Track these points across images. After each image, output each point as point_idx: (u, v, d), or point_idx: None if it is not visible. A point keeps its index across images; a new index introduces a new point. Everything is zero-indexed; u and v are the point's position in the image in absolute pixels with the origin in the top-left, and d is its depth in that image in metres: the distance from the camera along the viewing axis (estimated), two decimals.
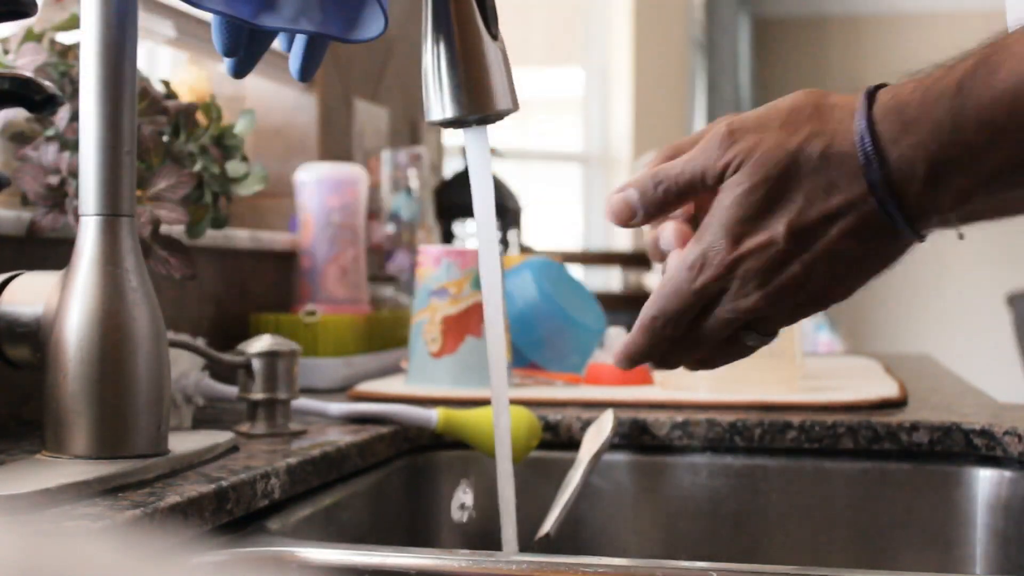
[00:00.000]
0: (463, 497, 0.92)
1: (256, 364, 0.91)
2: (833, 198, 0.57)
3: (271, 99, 1.59)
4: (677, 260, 0.62)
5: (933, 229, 0.59)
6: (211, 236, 1.20)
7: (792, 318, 0.63)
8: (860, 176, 0.56)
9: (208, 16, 0.89)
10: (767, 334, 0.64)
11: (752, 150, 0.59)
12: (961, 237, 0.65)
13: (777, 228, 0.58)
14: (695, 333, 0.63)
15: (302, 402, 0.97)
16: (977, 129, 0.54)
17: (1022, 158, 0.54)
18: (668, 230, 0.64)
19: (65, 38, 0.99)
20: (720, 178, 0.60)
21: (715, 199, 0.60)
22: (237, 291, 1.33)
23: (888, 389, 1.13)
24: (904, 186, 0.56)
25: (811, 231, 0.58)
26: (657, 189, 0.62)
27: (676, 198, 0.62)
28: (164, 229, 0.96)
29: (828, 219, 0.58)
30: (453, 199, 1.83)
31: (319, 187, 1.37)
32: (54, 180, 0.94)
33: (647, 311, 0.63)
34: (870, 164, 0.56)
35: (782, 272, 0.59)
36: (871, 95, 0.57)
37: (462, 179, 1.86)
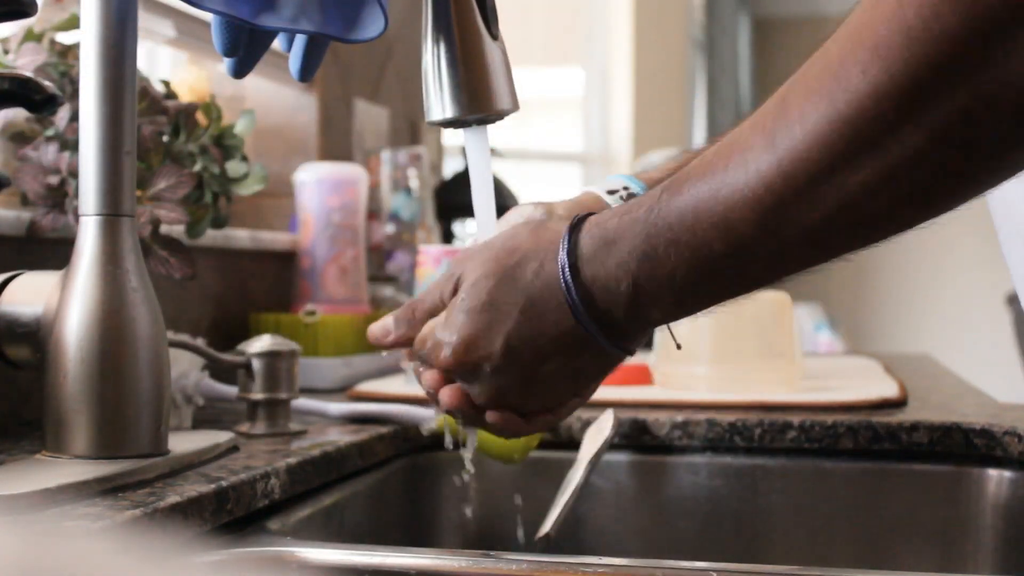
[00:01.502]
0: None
1: (256, 364, 0.91)
2: (544, 318, 0.64)
3: (271, 99, 1.59)
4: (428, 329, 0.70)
5: (640, 343, 0.65)
6: (211, 236, 1.20)
7: (529, 423, 0.69)
8: (565, 304, 0.63)
9: (208, 16, 0.89)
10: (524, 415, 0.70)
11: (474, 270, 0.66)
12: (678, 347, 0.75)
13: (495, 344, 0.65)
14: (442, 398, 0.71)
15: (302, 402, 0.97)
16: (665, 249, 0.59)
17: (712, 272, 0.58)
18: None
19: (65, 38, 0.99)
20: (452, 295, 0.68)
21: (448, 312, 0.68)
22: (237, 291, 1.33)
23: (888, 389, 1.13)
24: (609, 306, 0.62)
25: (524, 347, 0.64)
26: (409, 312, 0.71)
27: (424, 317, 0.70)
28: (164, 229, 0.96)
29: (539, 335, 0.64)
30: (453, 199, 1.83)
31: (319, 187, 1.37)
32: (54, 180, 0.94)
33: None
34: (568, 288, 0.62)
35: (499, 379, 0.66)
36: (578, 221, 0.63)
37: (462, 179, 1.86)
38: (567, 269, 0.62)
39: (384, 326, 0.72)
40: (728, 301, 0.61)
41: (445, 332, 0.66)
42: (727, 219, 0.55)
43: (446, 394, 0.68)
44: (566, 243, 0.62)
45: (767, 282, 0.60)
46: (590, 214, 0.63)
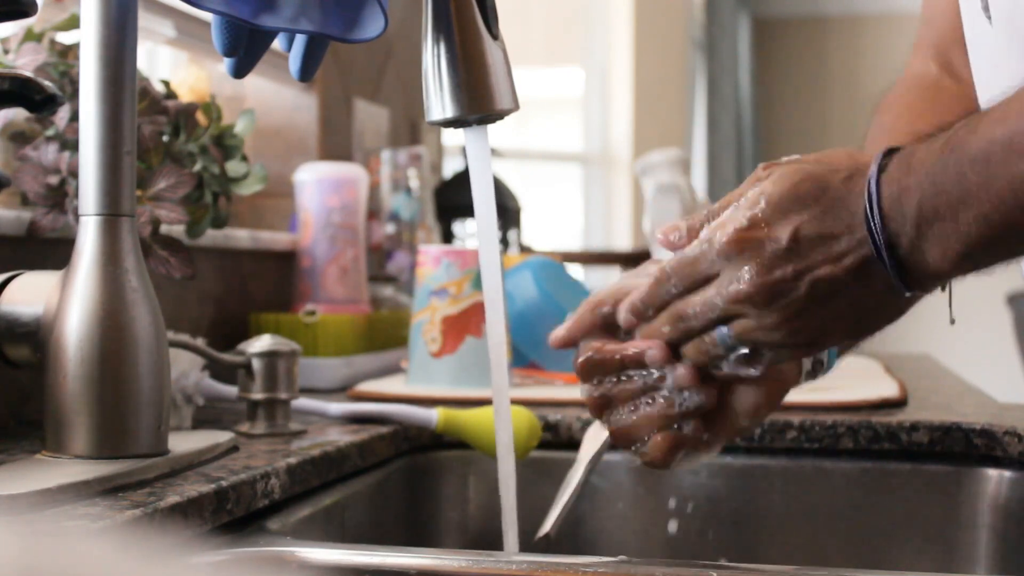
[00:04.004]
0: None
1: (256, 364, 0.91)
2: (838, 221, 0.61)
3: (271, 99, 1.59)
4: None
5: (924, 287, 0.63)
6: (211, 236, 1.20)
7: (770, 336, 0.65)
8: (862, 213, 0.61)
9: (208, 16, 0.89)
10: (737, 340, 0.66)
11: (788, 164, 0.64)
12: (952, 322, 0.72)
13: (784, 230, 0.62)
14: (689, 301, 0.67)
15: (302, 402, 0.97)
16: (955, 187, 0.58)
17: (995, 223, 0.57)
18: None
19: (65, 38, 0.99)
20: (752, 185, 0.65)
21: (750, 182, 0.65)
22: (237, 291, 1.33)
23: (888, 389, 1.13)
24: (896, 229, 0.60)
25: (811, 244, 0.62)
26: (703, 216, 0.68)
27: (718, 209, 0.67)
28: (164, 229, 0.96)
29: (829, 237, 0.62)
30: (453, 199, 1.83)
31: (319, 187, 1.37)
32: (54, 180, 0.94)
33: (661, 268, 0.68)
34: (871, 200, 0.60)
35: (774, 271, 0.63)
36: (892, 149, 0.62)
37: (462, 179, 1.86)
38: (874, 179, 0.60)
39: (676, 227, 0.69)
40: (1011, 260, 0.60)
41: (740, 207, 0.64)
42: (1019, 168, 0.55)
43: (711, 291, 0.65)
44: (878, 160, 0.61)
45: None
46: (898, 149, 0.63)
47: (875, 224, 0.60)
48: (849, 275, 0.62)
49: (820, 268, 0.62)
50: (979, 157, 0.56)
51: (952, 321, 0.72)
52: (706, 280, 0.66)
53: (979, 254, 0.60)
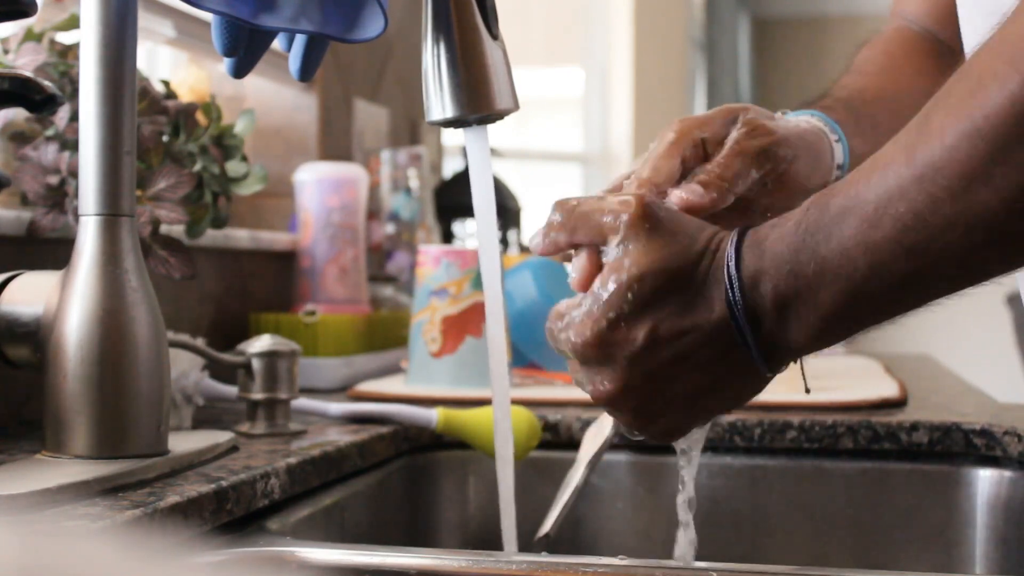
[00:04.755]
0: None
1: (256, 364, 0.91)
2: (698, 315, 0.61)
3: (271, 99, 1.59)
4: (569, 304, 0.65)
5: (784, 363, 0.62)
6: (211, 236, 1.20)
7: (646, 425, 0.65)
8: (723, 298, 0.60)
9: (208, 16, 0.89)
10: (625, 434, 0.67)
11: (647, 241, 0.62)
12: (808, 391, 0.71)
13: (641, 330, 0.61)
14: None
15: (302, 402, 0.97)
16: (811, 266, 0.57)
17: (856, 295, 0.57)
18: (579, 261, 0.66)
19: (65, 38, 0.99)
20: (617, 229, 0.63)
21: (609, 267, 0.63)
22: (237, 291, 1.33)
23: (888, 389, 1.13)
24: (758, 313, 0.60)
25: (669, 339, 0.61)
26: (568, 225, 0.65)
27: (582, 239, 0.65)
28: (164, 229, 0.96)
29: (687, 332, 0.61)
30: (453, 199, 1.83)
31: (319, 187, 1.37)
32: (54, 180, 0.94)
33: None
34: (731, 286, 0.60)
35: (634, 372, 0.62)
36: (743, 231, 0.61)
37: (462, 179, 1.86)
38: (732, 263, 0.60)
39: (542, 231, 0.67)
40: (871, 328, 0.60)
41: (593, 305, 0.62)
42: (870, 237, 0.55)
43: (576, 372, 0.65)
44: (734, 243, 0.61)
45: (913, 306, 0.59)
46: (749, 227, 0.62)
47: (738, 311, 0.60)
48: (711, 361, 0.61)
49: (678, 363, 0.62)
50: (833, 233, 0.56)
51: (807, 390, 0.72)
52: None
53: (839, 328, 0.60)
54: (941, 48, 0.94)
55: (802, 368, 0.70)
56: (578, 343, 0.63)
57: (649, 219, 0.62)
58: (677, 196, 0.68)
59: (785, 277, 0.58)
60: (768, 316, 0.60)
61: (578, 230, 0.64)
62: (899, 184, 0.54)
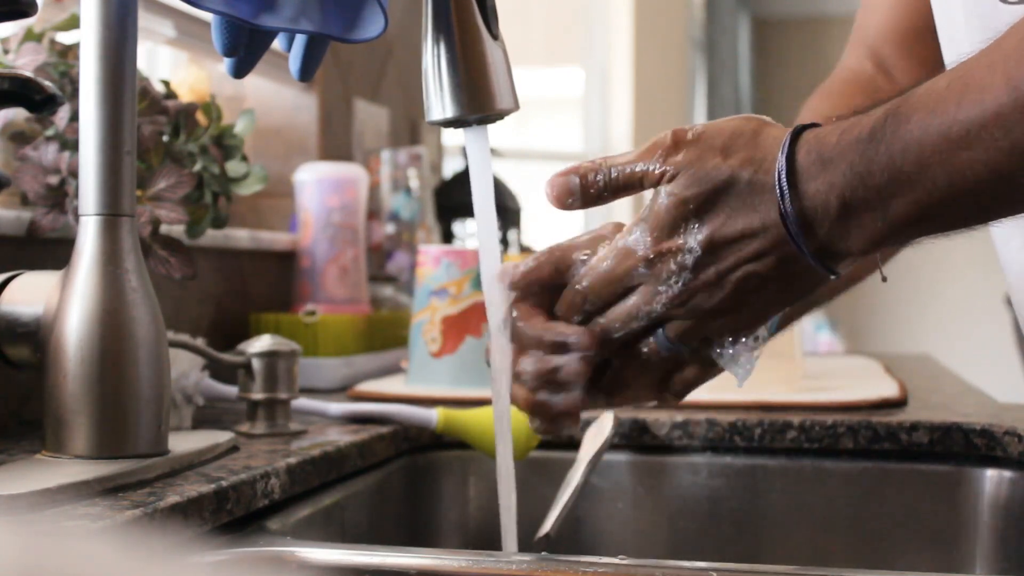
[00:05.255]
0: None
1: (256, 364, 0.91)
2: (751, 219, 0.62)
3: (271, 99, 1.59)
4: (604, 251, 0.67)
5: (844, 266, 0.63)
6: (211, 236, 1.20)
7: (703, 328, 0.66)
8: (776, 205, 0.61)
9: (208, 16, 0.89)
10: (677, 340, 0.67)
11: (690, 164, 0.63)
12: (884, 279, 0.71)
13: (697, 237, 0.63)
14: (611, 315, 0.67)
15: (302, 402, 0.97)
16: (886, 175, 0.58)
17: (927, 207, 0.58)
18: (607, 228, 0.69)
19: (65, 38, 0.99)
20: (656, 183, 0.65)
21: (649, 202, 0.65)
22: (237, 291, 1.33)
23: (888, 389, 1.13)
24: (815, 221, 0.60)
25: (726, 245, 0.62)
26: (597, 179, 0.67)
27: (612, 192, 0.67)
28: (164, 229, 0.96)
29: (743, 237, 0.62)
30: (453, 199, 1.83)
31: (319, 187, 1.37)
32: (54, 180, 0.94)
33: (568, 288, 0.68)
34: (783, 196, 0.60)
35: (696, 277, 0.63)
36: (797, 133, 0.62)
37: (462, 179, 1.86)
38: (783, 178, 0.60)
39: (569, 186, 0.68)
40: (932, 237, 0.61)
41: (650, 219, 0.63)
42: (957, 158, 0.55)
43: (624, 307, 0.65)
44: (785, 150, 0.61)
45: (983, 221, 0.60)
46: (811, 125, 0.62)
47: (790, 221, 0.60)
48: (770, 268, 0.62)
49: (740, 267, 0.63)
50: (912, 146, 0.56)
51: (884, 278, 0.72)
52: (626, 292, 0.66)
53: (900, 238, 0.61)
54: (885, 83, 0.96)
55: (880, 268, 0.70)
56: (640, 255, 0.64)
57: (682, 144, 0.64)
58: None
59: (854, 187, 0.58)
60: (826, 223, 0.60)
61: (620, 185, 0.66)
62: (997, 111, 0.54)
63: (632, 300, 0.66)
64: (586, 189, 0.67)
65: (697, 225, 0.63)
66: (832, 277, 0.63)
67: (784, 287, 0.64)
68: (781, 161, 0.60)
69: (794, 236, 0.60)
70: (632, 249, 0.65)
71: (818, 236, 0.60)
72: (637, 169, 0.65)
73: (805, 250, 0.61)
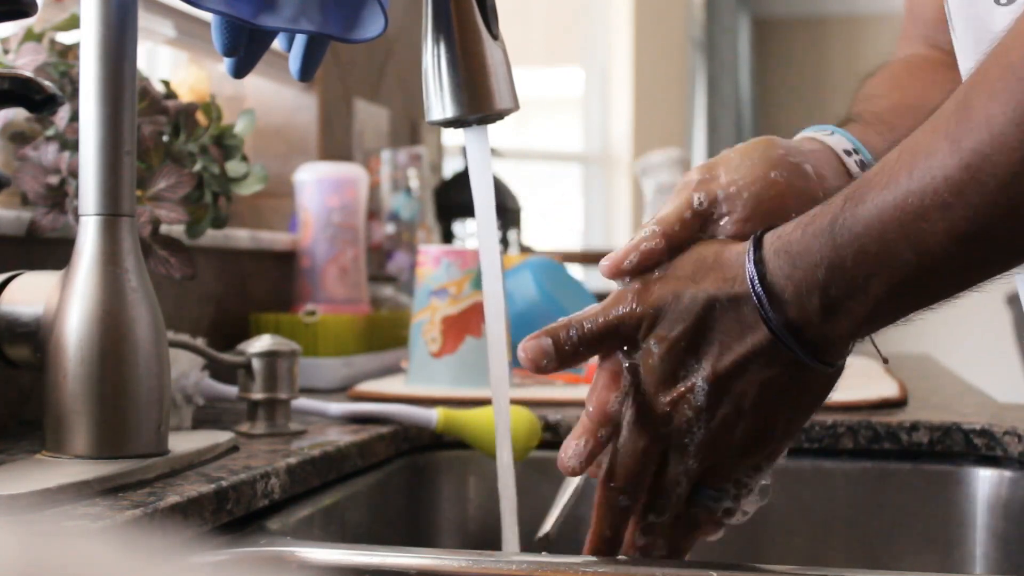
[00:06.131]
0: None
1: (256, 364, 0.91)
2: (745, 340, 0.61)
3: (271, 99, 1.59)
4: (624, 431, 0.65)
5: (842, 356, 0.63)
6: (211, 236, 1.20)
7: (741, 465, 0.65)
8: (760, 317, 0.60)
9: (208, 16, 0.89)
10: (720, 488, 0.66)
11: (666, 300, 0.62)
12: (886, 361, 0.71)
13: (701, 375, 0.62)
14: (653, 495, 0.66)
15: (302, 402, 0.97)
16: (856, 260, 0.57)
17: (902, 283, 0.57)
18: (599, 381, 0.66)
19: (65, 38, 0.99)
20: (637, 325, 0.63)
21: (641, 360, 0.63)
22: (237, 291, 1.33)
23: (888, 389, 1.13)
24: (802, 320, 0.59)
25: (731, 374, 0.61)
26: (571, 336, 0.64)
27: (588, 347, 0.64)
28: (164, 229, 0.96)
29: (744, 360, 0.61)
30: (453, 199, 1.83)
31: (319, 187, 1.37)
32: (54, 180, 0.94)
33: (601, 484, 0.66)
34: (763, 304, 0.60)
35: (715, 415, 0.62)
36: (758, 239, 0.61)
37: (462, 179, 1.86)
38: (757, 285, 0.60)
39: (543, 348, 0.65)
40: (917, 312, 0.60)
41: (652, 380, 0.63)
42: (917, 228, 0.54)
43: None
44: (751, 257, 0.60)
45: (962, 288, 0.59)
46: (768, 229, 0.62)
47: (775, 327, 0.60)
48: (770, 375, 0.61)
49: (752, 389, 0.62)
50: (873, 225, 0.56)
51: (885, 361, 0.72)
52: (657, 463, 0.65)
53: (890, 315, 0.60)
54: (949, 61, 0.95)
55: (874, 344, 0.69)
56: (646, 415, 0.63)
57: (651, 283, 0.63)
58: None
59: (828, 280, 0.58)
60: (814, 319, 0.59)
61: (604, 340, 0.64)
62: (945, 175, 0.53)
63: (669, 469, 0.65)
64: (560, 347, 0.64)
65: (696, 363, 0.62)
66: (831, 370, 0.63)
67: (799, 393, 0.63)
68: (751, 269, 0.60)
69: (785, 342, 0.60)
70: (645, 416, 0.63)
71: (808, 335, 0.60)
72: (612, 316, 0.64)
73: (799, 353, 0.60)
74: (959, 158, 0.52)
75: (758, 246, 0.61)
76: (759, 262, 0.60)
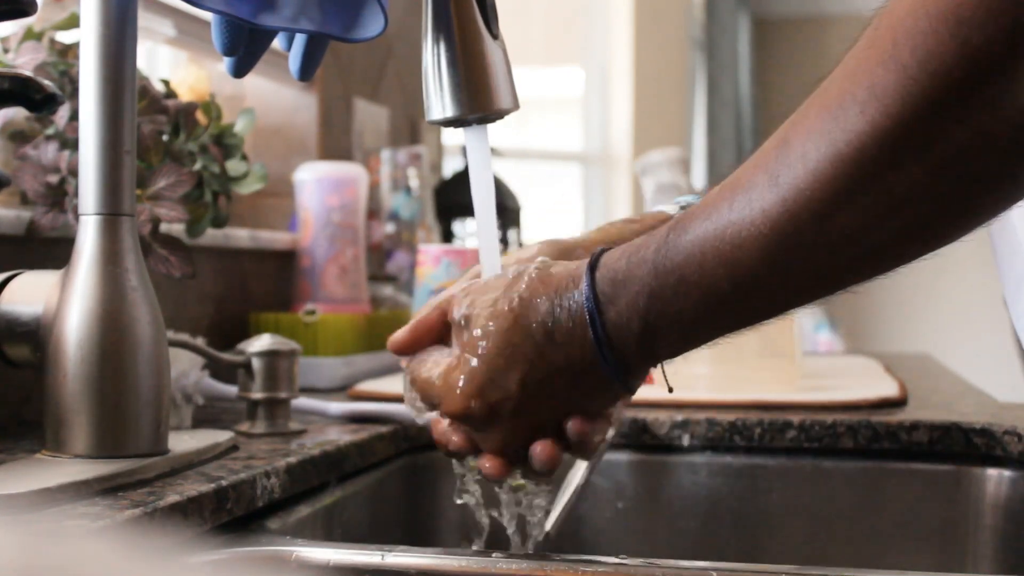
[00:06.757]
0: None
1: (256, 363, 0.91)
2: (559, 358, 0.63)
3: (271, 98, 1.59)
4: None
5: (642, 379, 0.66)
6: (211, 235, 1.20)
7: (519, 439, 0.67)
8: (587, 335, 0.62)
9: (208, 15, 0.89)
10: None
11: (483, 312, 0.66)
12: (671, 391, 0.73)
13: (510, 388, 0.64)
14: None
15: (302, 401, 0.97)
16: (674, 289, 0.59)
17: (716, 306, 0.59)
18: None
19: (65, 37, 0.98)
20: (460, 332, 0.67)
21: (459, 357, 0.67)
22: (237, 291, 1.33)
23: (888, 389, 1.13)
24: (621, 344, 0.62)
25: (538, 388, 0.64)
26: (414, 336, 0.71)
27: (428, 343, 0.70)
28: (164, 228, 0.96)
29: (555, 372, 0.64)
30: (453, 198, 1.83)
31: (319, 186, 1.37)
32: (54, 179, 0.94)
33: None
34: (595, 324, 0.62)
35: (516, 423, 0.65)
36: (594, 261, 0.63)
37: (462, 178, 1.86)
38: (592, 306, 0.62)
39: (397, 340, 0.72)
40: (732, 334, 0.62)
41: (457, 376, 0.66)
42: (734, 257, 0.56)
43: (456, 440, 0.69)
44: (587, 279, 0.62)
45: (773, 315, 0.61)
46: (604, 250, 0.64)
47: (605, 350, 0.62)
48: (573, 387, 0.64)
49: (550, 393, 0.64)
50: (694, 253, 0.58)
51: (670, 390, 0.73)
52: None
53: (698, 340, 0.62)
54: None
55: (663, 374, 0.71)
56: (457, 411, 0.66)
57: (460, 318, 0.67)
58: None
59: (648, 307, 0.60)
60: (632, 343, 0.62)
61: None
62: (763, 207, 0.55)
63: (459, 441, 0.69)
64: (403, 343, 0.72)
65: (510, 372, 0.64)
66: (625, 390, 0.65)
67: (585, 398, 0.65)
68: (586, 289, 0.62)
69: (607, 361, 0.62)
70: (452, 398, 0.67)
71: (625, 358, 0.62)
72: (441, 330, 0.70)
73: (612, 374, 0.63)
74: (776, 192, 0.54)
75: (593, 268, 0.63)
76: (593, 283, 0.63)
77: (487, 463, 0.68)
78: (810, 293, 0.59)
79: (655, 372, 0.70)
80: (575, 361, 0.63)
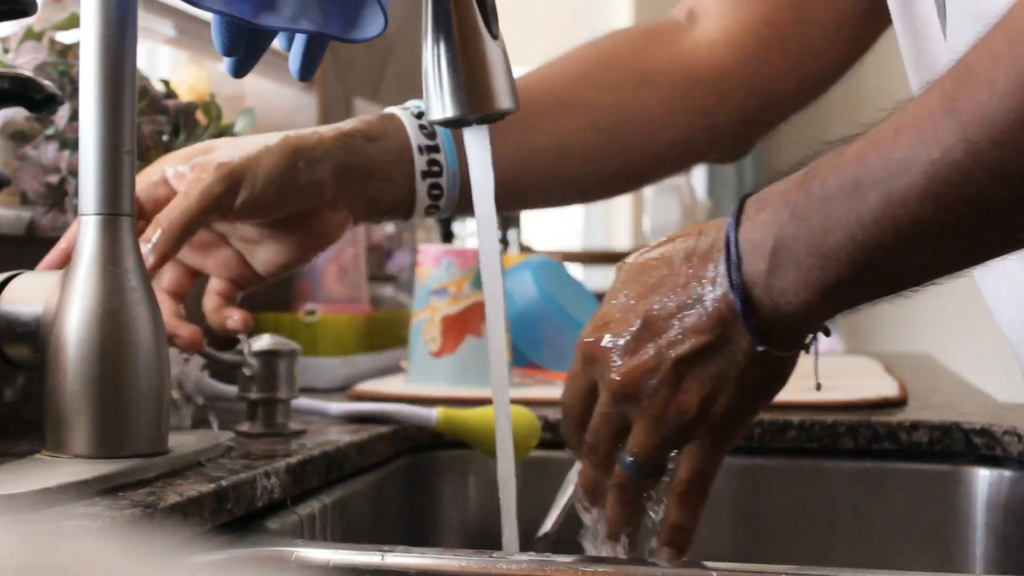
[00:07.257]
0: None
1: (256, 363, 0.91)
2: (688, 294, 0.62)
3: (271, 99, 1.59)
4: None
5: (782, 337, 0.62)
6: None
7: (658, 436, 0.67)
8: (719, 259, 0.60)
9: (208, 15, 0.89)
10: (643, 455, 0.69)
11: (636, 258, 0.66)
12: (818, 388, 0.70)
13: (635, 313, 0.64)
14: (590, 441, 0.71)
15: (302, 401, 0.97)
16: (818, 207, 0.56)
17: (856, 247, 0.55)
18: None
19: (65, 37, 0.99)
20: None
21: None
22: None
23: (888, 389, 1.13)
24: (749, 264, 0.59)
25: (665, 320, 0.63)
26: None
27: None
28: None
29: (681, 308, 0.62)
30: None
31: None
32: (54, 179, 0.94)
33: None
34: (728, 247, 0.60)
35: (637, 354, 0.64)
36: (743, 199, 0.62)
37: None
38: (732, 227, 0.60)
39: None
40: (876, 299, 0.59)
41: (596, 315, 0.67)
42: (896, 189, 0.52)
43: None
44: (733, 214, 0.61)
45: (925, 278, 0.57)
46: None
47: (732, 263, 0.59)
48: (699, 334, 0.62)
49: (681, 342, 0.62)
50: (847, 181, 0.54)
51: (818, 386, 0.70)
52: (594, 396, 0.69)
53: (838, 288, 0.58)
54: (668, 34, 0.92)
55: (815, 363, 0.69)
56: (577, 354, 0.68)
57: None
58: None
59: (785, 222, 0.57)
60: (759, 271, 0.59)
61: None
62: (937, 136, 0.51)
63: (599, 405, 0.69)
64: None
65: (638, 304, 0.64)
66: (762, 349, 0.62)
67: (728, 374, 0.63)
68: (730, 219, 0.61)
69: (732, 281, 0.59)
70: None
71: (754, 287, 0.59)
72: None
73: (737, 305, 0.60)
74: (955, 118, 0.51)
75: (742, 201, 0.61)
76: (739, 208, 0.60)
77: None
78: (973, 242, 0.55)
79: None
80: (704, 305, 0.61)
